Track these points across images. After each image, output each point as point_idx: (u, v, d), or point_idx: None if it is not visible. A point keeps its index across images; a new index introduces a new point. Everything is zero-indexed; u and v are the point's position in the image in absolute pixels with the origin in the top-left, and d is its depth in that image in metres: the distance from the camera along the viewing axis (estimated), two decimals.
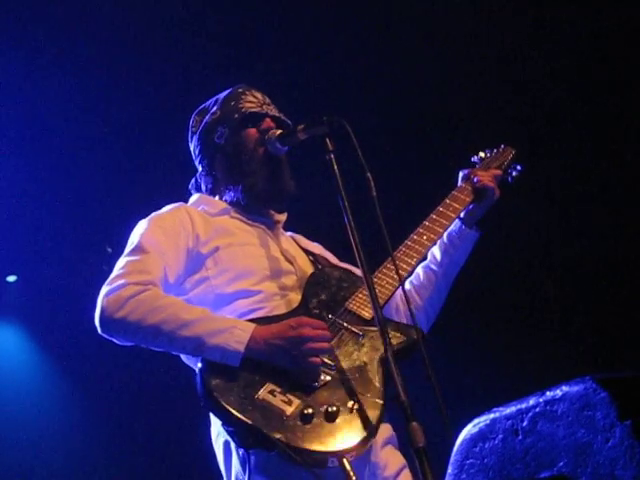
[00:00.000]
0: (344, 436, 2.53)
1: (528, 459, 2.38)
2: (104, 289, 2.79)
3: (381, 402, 2.64)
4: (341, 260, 3.30)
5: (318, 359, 2.63)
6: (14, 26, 5.45)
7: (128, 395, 6.23)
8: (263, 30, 5.78)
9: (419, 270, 3.30)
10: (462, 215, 3.28)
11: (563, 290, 5.98)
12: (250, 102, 3.19)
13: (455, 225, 3.28)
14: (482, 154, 3.54)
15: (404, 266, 3.02)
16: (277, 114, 3.20)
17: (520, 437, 2.40)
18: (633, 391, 2.27)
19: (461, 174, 3.39)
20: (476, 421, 2.57)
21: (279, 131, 3.09)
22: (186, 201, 3.27)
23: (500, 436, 2.46)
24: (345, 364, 2.70)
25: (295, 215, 3.29)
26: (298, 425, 2.51)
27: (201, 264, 2.96)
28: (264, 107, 3.19)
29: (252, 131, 3.15)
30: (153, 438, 6.38)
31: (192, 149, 3.31)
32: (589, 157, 5.80)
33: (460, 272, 3.33)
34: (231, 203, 3.16)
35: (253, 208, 3.15)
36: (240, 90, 3.25)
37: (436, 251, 3.30)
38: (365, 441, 2.56)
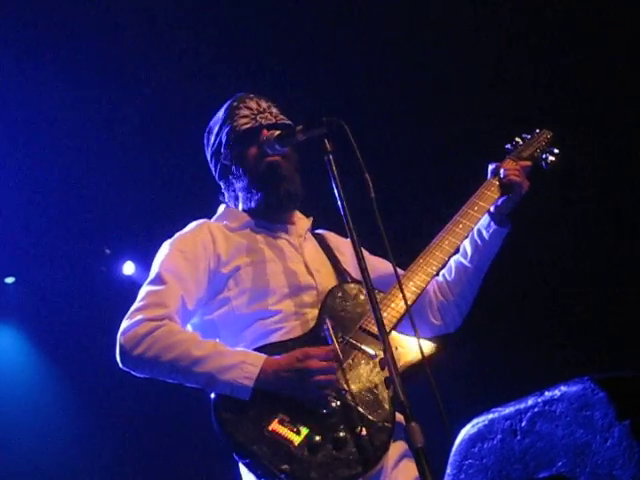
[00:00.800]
0: (351, 463, 2.55)
1: (527, 459, 2.38)
2: (123, 324, 2.84)
3: (390, 426, 2.67)
4: (374, 253, 3.24)
5: (326, 390, 2.65)
6: (15, 29, 5.46)
7: (127, 396, 6.21)
8: (265, 31, 5.78)
9: (451, 263, 3.27)
10: (492, 210, 3.23)
11: (562, 290, 5.98)
12: (244, 117, 3.16)
13: (485, 221, 3.23)
14: (518, 139, 3.41)
15: (424, 277, 3.00)
16: (273, 120, 3.17)
17: (519, 437, 2.41)
18: (632, 391, 2.27)
19: (490, 167, 3.32)
20: (475, 421, 2.58)
21: (277, 132, 3.07)
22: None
23: (499, 436, 2.47)
24: (356, 387, 2.71)
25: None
26: (305, 455, 2.55)
27: (223, 285, 2.98)
28: (258, 118, 3.14)
29: (252, 150, 3.13)
30: (153, 439, 6.38)
31: (210, 166, 3.34)
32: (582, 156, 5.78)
33: (492, 265, 3.30)
34: (254, 214, 3.16)
35: (275, 216, 3.15)
36: (235, 104, 3.22)
37: (467, 246, 3.26)
38: (372, 466, 2.59)
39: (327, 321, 2.86)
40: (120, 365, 2.83)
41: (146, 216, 5.93)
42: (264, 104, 3.20)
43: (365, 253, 3.25)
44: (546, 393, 2.39)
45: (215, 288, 2.97)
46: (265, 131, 3.13)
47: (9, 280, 6.55)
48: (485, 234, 3.23)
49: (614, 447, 2.17)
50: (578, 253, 5.91)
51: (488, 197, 3.22)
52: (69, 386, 6.59)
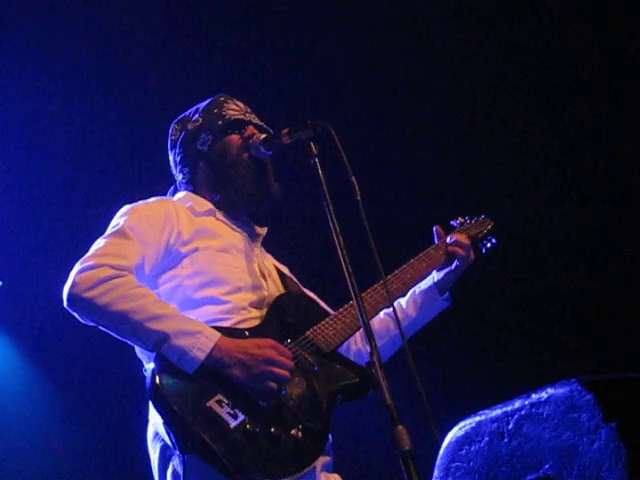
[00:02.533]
0: (282, 462, 2.53)
1: (514, 462, 2.38)
2: (78, 265, 2.74)
3: (324, 435, 2.67)
4: (304, 286, 3.29)
5: (275, 384, 2.62)
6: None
7: (116, 400, 6.19)
8: (247, 36, 5.79)
9: (381, 315, 3.30)
10: (436, 279, 3.33)
11: (550, 292, 5.99)
12: (233, 110, 3.21)
13: (430, 289, 3.33)
14: (461, 219, 3.61)
15: (376, 305, 3.04)
16: (259, 122, 3.22)
17: (506, 440, 2.41)
18: (618, 393, 2.27)
19: (435, 232, 3.45)
20: (462, 424, 2.58)
21: (263, 135, 3.09)
22: None
23: (486, 439, 2.47)
24: (296, 391, 2.70)
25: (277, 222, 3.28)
26: (240, 440, 2.50)
27: (178, 262, 2.93)
28: (247, 115, 3.21)
29: (235, 137, 3.15)
30: (141, 443, 6.34)
31: (171, 158, 3.30)
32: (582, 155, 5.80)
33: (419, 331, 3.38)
34: (218, 206, 3.16)
35: (237, 214, 3.15)
36: (222, 99, 3.27)
37: (403, 304, 3.33)
38: (301, 469, 2.57)
39: (275, 322, 2.88)
40: (65, 304, 2.69)
41: None
42: (248, 108, 3.27)
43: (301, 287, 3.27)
44: (533, 395, 2.39)
45: (169, 263, 2.92)
46: (251, 127, 3.16)
47: None
48: (426, 300, 3.34)
49: (601, 449, 2.18)
50: (569, 255, 5.92)
51: (435, 257, 3.35)
52: (56, 391, 6.55)
